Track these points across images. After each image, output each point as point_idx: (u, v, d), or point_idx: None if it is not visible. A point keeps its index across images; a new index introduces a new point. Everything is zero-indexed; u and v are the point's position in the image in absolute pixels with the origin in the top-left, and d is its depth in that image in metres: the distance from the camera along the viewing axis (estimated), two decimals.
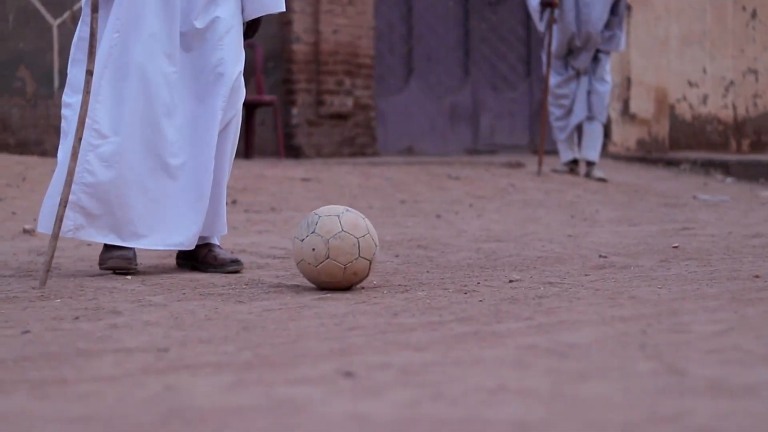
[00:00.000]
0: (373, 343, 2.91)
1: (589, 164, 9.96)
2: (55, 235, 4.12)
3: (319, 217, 4.07)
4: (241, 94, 4.59)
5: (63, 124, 4.47)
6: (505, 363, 2.59)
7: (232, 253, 4.92)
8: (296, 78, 10.92)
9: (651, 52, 12.78)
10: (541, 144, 9.91)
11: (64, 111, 4.47)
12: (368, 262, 4.06)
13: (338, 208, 4.12)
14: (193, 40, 4.52)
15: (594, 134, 9.91)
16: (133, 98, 4.41)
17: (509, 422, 1.98)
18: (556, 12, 9.68)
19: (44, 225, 4.40)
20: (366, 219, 4.14)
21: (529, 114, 12.64)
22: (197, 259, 4.65)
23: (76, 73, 4.46)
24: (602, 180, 9.77)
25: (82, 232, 4.41)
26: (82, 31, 4.47)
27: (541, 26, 9.82)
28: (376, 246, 4.09)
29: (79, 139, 4.17)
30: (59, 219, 4.14)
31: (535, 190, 8.84)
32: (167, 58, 4.45)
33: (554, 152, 10.99)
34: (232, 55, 4.55)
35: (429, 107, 12.03)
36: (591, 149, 9.90)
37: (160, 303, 3.75)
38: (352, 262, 4.01)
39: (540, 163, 9.84)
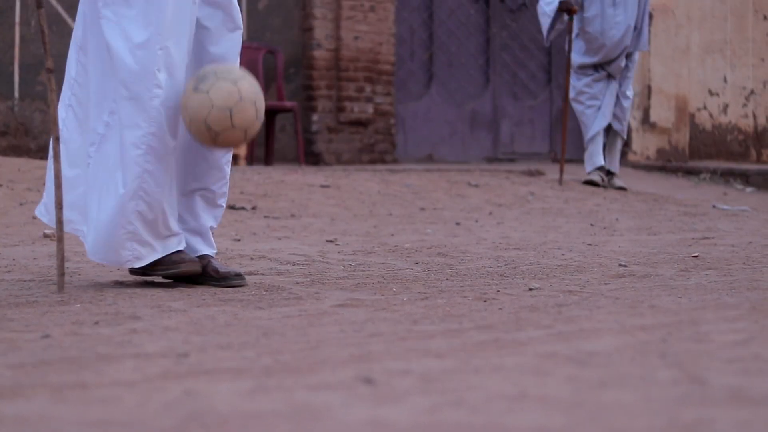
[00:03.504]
0: (393, 350, 2.91)
1: (609, 173, 9.95)
2: (60, 238, 4.07)
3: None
4: None
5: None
6: (526, 370, 2.58)
7: (226, 264, 4.67)
8: (317, 84, 10.94)
9: (671, 61, 12.76)
10: (562, 152, 9.90)
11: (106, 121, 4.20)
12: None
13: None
14: None
15: (614, 146, 9.95)
16: None
17: (530, 429, 1.98)
18: (577, 23, 9.69)
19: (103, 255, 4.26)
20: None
21: (549, 122, 12.62)
22: None
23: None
24: (622, 189, 9.76)
25: None
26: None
27: (546, 39, 9.83)
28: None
29: (56, 138, 4.05)
30: (59, 221, 4.10)
31: (554, 198, 8.83)
32: None
33: (574, 161, 10.97)
34: None
35: (449, 114, 12.03)
36: (611, 160, 9.91)
37: (180, 308, 3.75)
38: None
39: (561, 171, 9.83)
